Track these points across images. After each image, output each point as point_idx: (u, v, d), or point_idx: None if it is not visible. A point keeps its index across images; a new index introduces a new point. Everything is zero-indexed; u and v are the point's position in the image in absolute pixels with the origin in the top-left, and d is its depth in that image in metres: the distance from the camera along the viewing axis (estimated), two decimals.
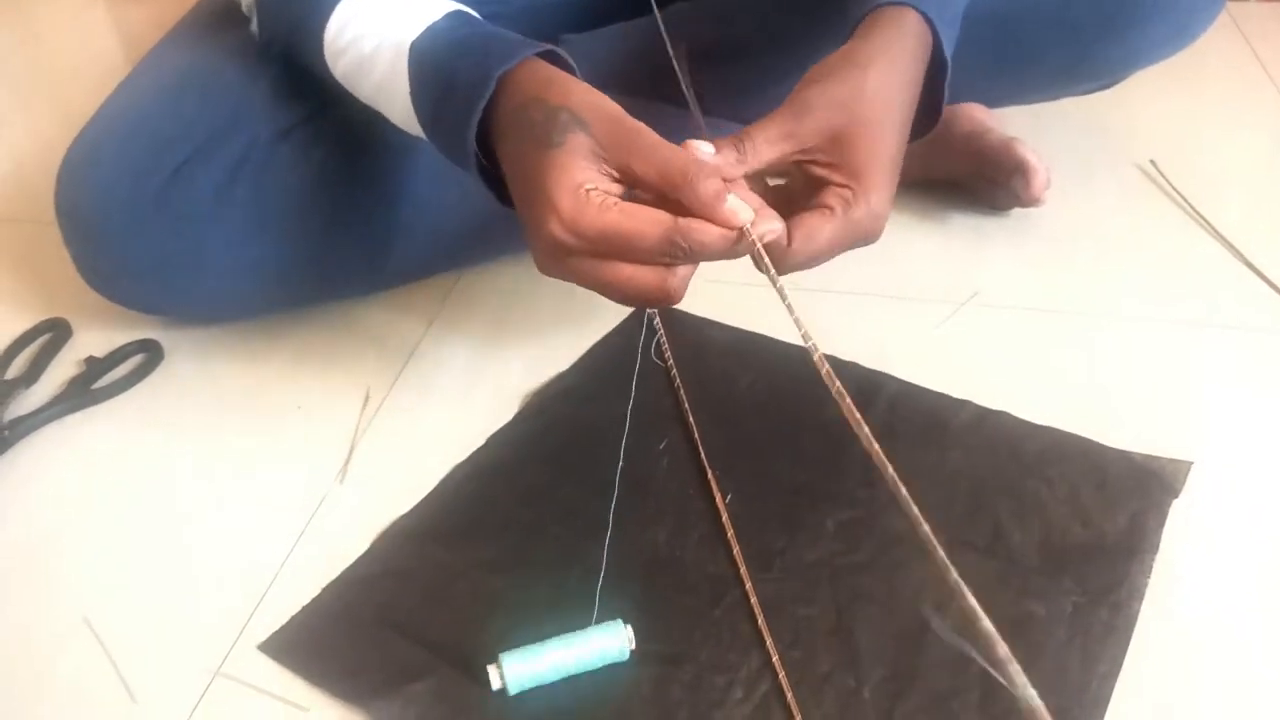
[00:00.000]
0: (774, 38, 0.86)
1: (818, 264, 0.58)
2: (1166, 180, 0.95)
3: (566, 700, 0.55)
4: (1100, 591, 0.59)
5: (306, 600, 0.61)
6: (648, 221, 0.52)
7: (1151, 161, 0.97)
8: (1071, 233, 0.89)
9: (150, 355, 0.79)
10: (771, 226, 0.54)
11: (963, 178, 0.91)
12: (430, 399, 0.76)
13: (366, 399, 0.75)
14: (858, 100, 0.57)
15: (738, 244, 0.53)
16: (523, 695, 0.55)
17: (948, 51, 0.62)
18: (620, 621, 0.56)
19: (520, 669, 0.55)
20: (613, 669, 0.56)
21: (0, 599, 0.63)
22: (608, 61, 0.91)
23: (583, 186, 0.53)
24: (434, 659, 0.57)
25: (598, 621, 0.57)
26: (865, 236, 0.58)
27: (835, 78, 0.58)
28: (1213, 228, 0.89)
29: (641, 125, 0.54)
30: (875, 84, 0.58)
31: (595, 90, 0.57)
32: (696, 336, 0.78)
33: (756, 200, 0.55)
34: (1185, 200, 0.92)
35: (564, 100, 0.55)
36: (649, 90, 0.90)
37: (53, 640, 0.60)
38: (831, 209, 0.57)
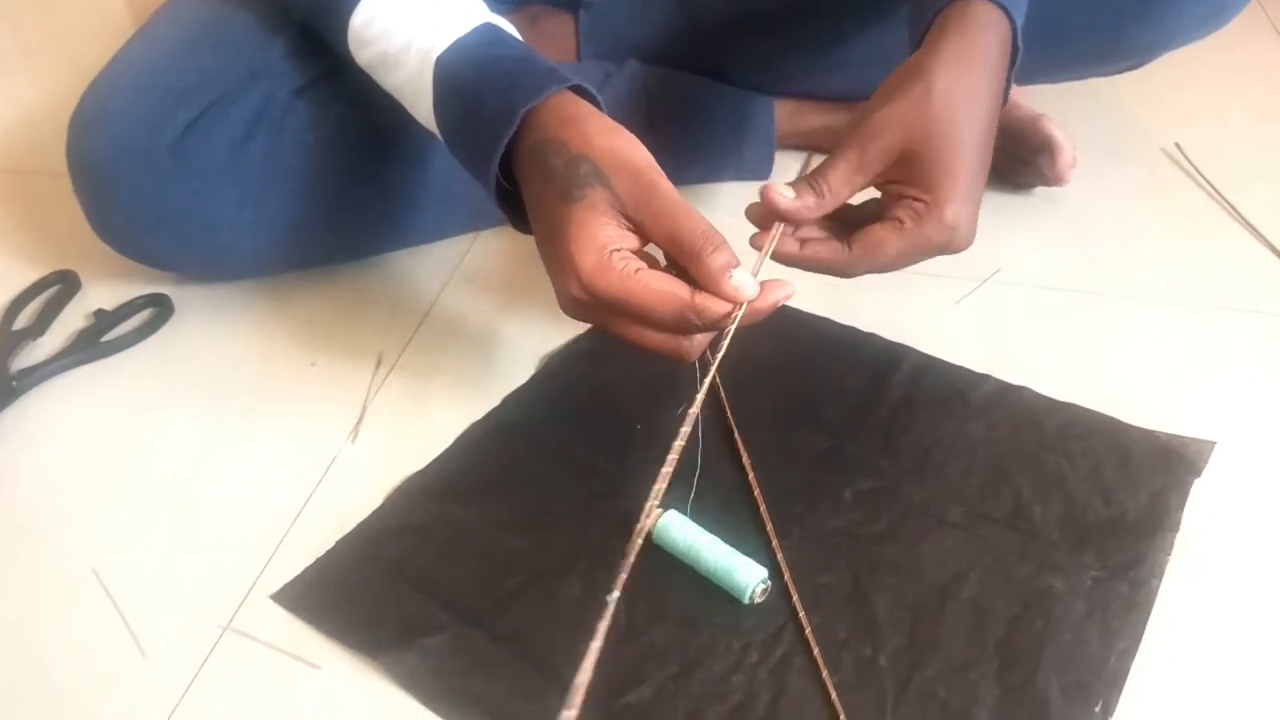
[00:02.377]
0: (801, 10, 0.85)
1: (889, 271, 0.59)
2: (1191, 164, 0.94)
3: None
4: (1121, 567, 0.58)
5: (316, 557, 0.60)
6: (664, 296, 0.53)
7: (1176, 145, 0.96)
8: (1095, 213, 0.88)
9: (160, 310, 0.78)
10: (784, 293, 0.55)
11: None
12: (443, 361, 0.75)
13: (379, 360, 0.75)
14: (923, 117, 0.57)
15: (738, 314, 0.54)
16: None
17: (1019, 35, 0.61)
18: (764, 570, 0.57)
19: (673, 529, 0.58)
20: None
21: (9, 551, 0.62)
22: (630, 28, 0.90)
23: (606, 248, 0.53)
24: (448, 614, 0.57)
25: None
26: (942, 247, 0.58)
27: (899, 96, 0.58)
28: (1237, 212, 0.88)
29: (661, 179, 0.55)
30: (942, 95, 0.57)
31: (618, 130, 0.57)
32: None
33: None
34: (1209, 184, 0.91)
35: (585, 148, 0.55)
36: (669, 58, 0.89)
37: (62, 593, 0.60)
38: (901, 222, 0.58)
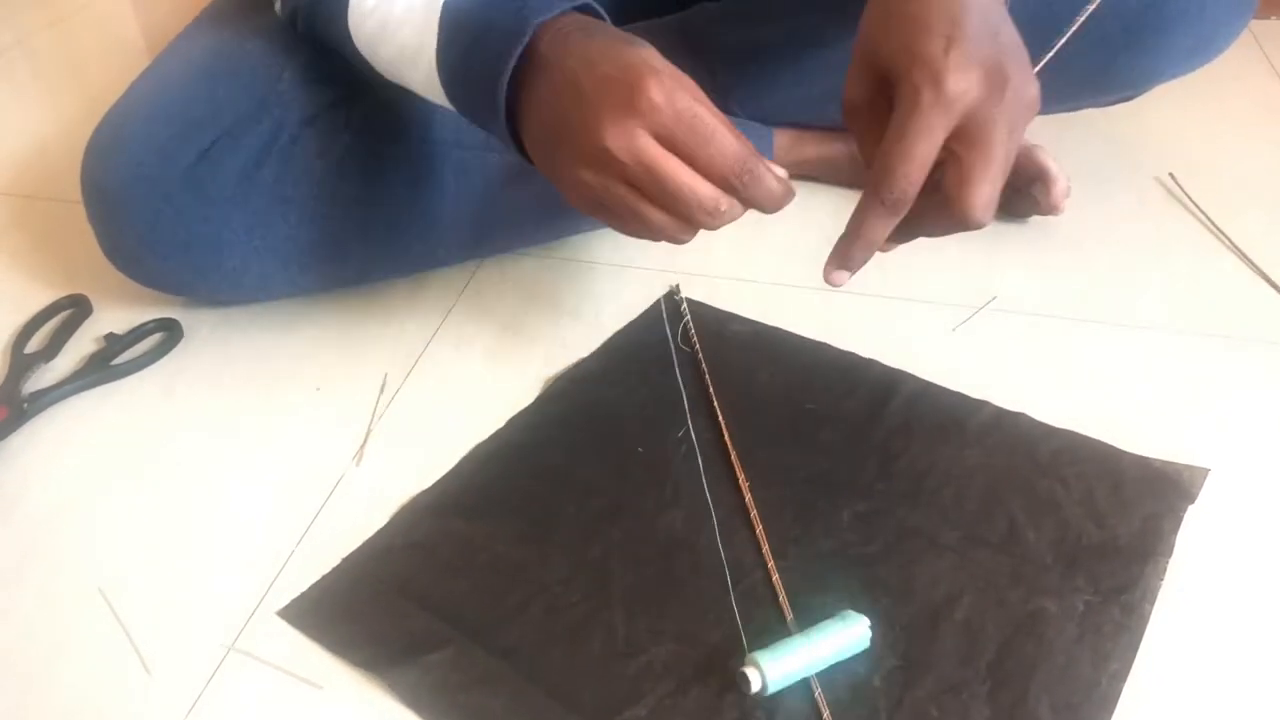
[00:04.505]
0: (800, 40, 0.87)
1: (918, 172, 0.54)
2: (1185, 193, 0.95)
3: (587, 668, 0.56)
4: (1113, 591, 0.59)
5: (320, 577, 0.61)
6: (732, 129, 0.53)
7: (1170, 174, 0.97)
8: (1089, 242, 0.89)
9: (170, 334, 0.80)
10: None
11: None
12: (447, 385, 0.76)
13: (384, 383, 0.76)
14: (877, 35, 0.55)
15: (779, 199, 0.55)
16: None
17: None
18: (856, 614, 0.56)
19: (777, 667, 0.54)
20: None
21: (17, 571, 0.63)
22: None
23: (687, 78, 0.54)
24: (452, 630, 0.57)
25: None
26: (965, 115, 0.52)
27: (860, 48, 0.57)
28: (1230, 241, 0.89)
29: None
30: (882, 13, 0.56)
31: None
32: (719, 329, 0.79)
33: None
34: (1203, 213, 0.92)
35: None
36: None
37: (69, 612, 0.61)
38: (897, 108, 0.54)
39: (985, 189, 0.54)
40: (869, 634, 0.56)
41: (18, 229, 0.95)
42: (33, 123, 1.14)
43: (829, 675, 0.55)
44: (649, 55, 0.54)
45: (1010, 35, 0.56)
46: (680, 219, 0.56)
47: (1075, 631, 0.57)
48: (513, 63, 0.56)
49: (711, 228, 0.56)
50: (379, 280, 0.84)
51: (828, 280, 0.60)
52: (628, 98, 0.53)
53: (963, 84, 0.52)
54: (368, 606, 0.59)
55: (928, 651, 0.56)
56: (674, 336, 0.78)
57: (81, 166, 0.75)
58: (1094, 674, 0.55)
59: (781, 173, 0.56)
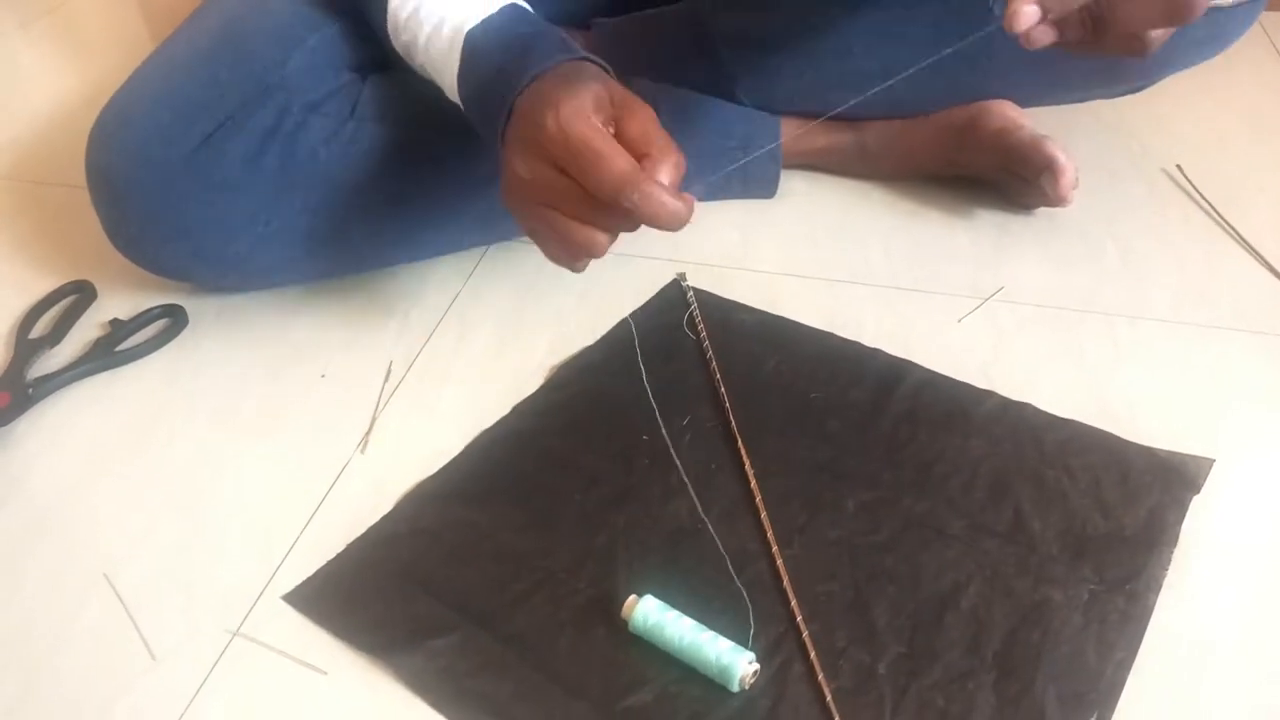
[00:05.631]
0: (811, 27, 0.86)
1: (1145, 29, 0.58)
2: (1192, 184, 0.95)
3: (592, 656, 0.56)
4: (1118, 581, 0.59)
5: (326, 563, 0.61)
6: (622, 154, 0.56)
7: (1178, 166, 0.97)
8: (1097, 233, 0.89)
9: (175, 320, 0.79)
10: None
11: (990, 174, 0.91)
12: (452, 373, 0.76)
13: (389, 371, 0.76)
14: None
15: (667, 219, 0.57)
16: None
17: None
18: (749, 654, 0.54)
19: (651, 616, 0.56)
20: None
21: (22, 556, 0.63)
22: (638, 46, 0.92)
23: (588, 104, 0.57)
24: (456, 616, 0.58)
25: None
26: None
27: None
28: (1237, 233, 0.89)
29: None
30: None
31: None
32: (724, 318, 0.78)
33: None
34: (1210, 205, 0.92)
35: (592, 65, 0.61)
36: (678, 75, 0.91)
37: (73, 597, 0.61)
38: None
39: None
40: (737, 684, 0.53)
41: (22, 214, 0.95)
42: (35, 108, 1.13)
43: (834, 664, 0.55)
44: (567, 93, 0.58)
45: None
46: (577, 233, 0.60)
47: (1081, 621, 0.57)
48: (506, 111, 0.61)
49: (591, 252, 0.61)
50: (384, 267, 0.84)
51: (1010, 26, 0.57)
52: (531, 132, 0.58)
53: None
54: (373, 592, 0.59)
55: (934, 640, 0.56)
56: (680, 324, 0.78)
57: (86, 151, 0.75)
58: (1099, 663, 0.55)
59: (687, 198, 0.58)
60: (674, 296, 0.81)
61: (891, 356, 0.75)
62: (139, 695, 0.56)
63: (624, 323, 0.79)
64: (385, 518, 0.64)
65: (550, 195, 0.59)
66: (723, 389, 0.71)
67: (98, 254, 0.81)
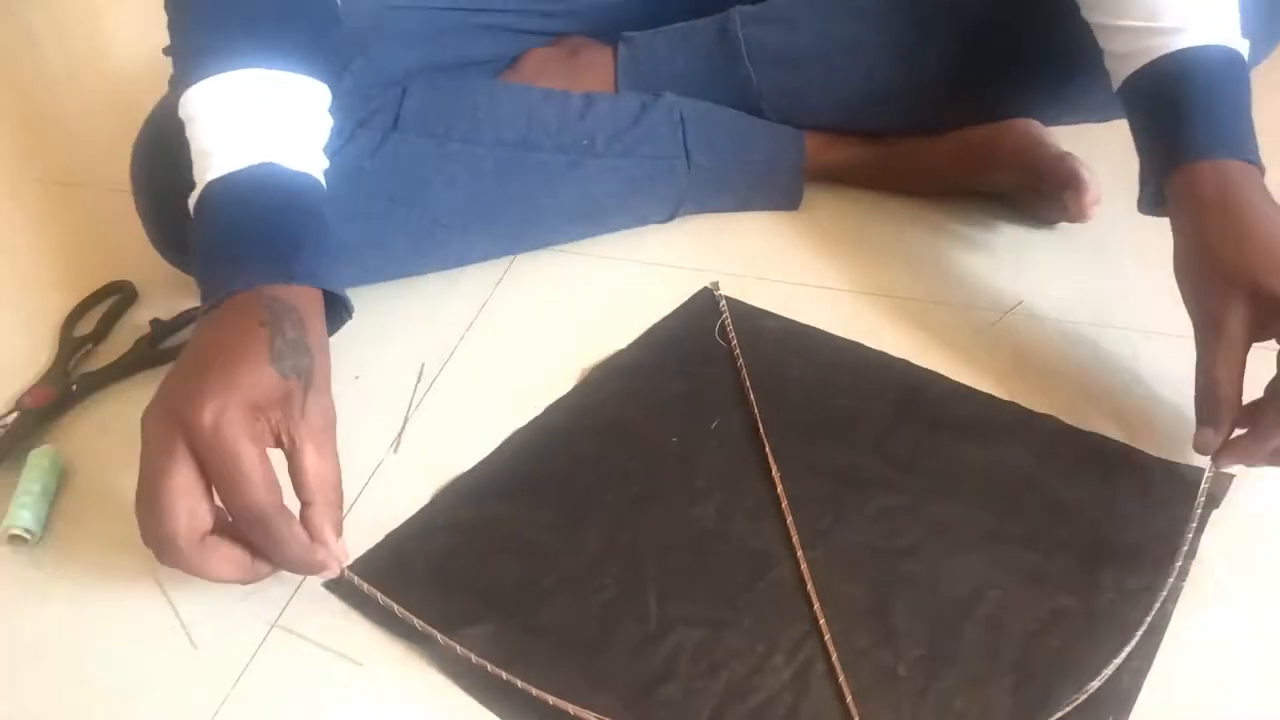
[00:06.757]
0: (833, 45, 0.88)
1: None
2: None
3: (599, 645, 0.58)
4: (1135, 591, 0.60)
5: (364, 552, 0.63)
6: (268, 486, 0.53)
7: None
8: (1115, 248, 0.90)
9: None
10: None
11: (1010, 190, 0.93)
12: (482, 375, 0.78)
13: (421, 373, 0.78)
14: (1238, 268, 0.63)
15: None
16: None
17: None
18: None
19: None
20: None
21: (67, 546, 0.65)
22: (667, 60, 0.94)
23: (265, 415, 0.55)
24: (488, 609, 0.60)
25: None
26: None
27: (1206, 278, 0.65)
28: None
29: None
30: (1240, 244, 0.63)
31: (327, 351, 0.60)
32: (753, 325, 0.80)
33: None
34: None
35: (314, 349, 0.58)
36: (705, 91, 0.92)
37: (118, 587, 0.63)
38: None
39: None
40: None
41: (57, 216, 0.97)
42: (67, 110, 1.16)
43: (855, 664, 0.56)
44: (254, 379, 0.54)
45: None
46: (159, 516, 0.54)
47: (1097, 629, 0.58)
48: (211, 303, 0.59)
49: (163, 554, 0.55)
50: (418, 274, 0.86)
51: (1218, 465, 0.64)
52: (179, 404, 0.54)
53: None
54: (407, 583, 0.61)
55: (953, 644, 0.58)
56: (710, 330, 0.80)
57: (132, 160, 0.77)
58: (1115, 671, 0.56)
59: (331, 554, 0.56)
60: (705, 304, 0.83)
61: (915, 366, 0.76)
62: (182, 682, 0.58)
63: (655, 328, 0.80)
64: (421, 511, 0.66)
65: (172, 461, 0.53)
66: (752, 395, 0.73)
67: (135, 256, 0.83)
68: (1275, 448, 0.61)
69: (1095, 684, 0.55)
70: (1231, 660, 0.58)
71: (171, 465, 0.53)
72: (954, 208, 0.95)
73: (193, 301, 0.82)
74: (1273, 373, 0.63)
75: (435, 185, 0.79)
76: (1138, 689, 0.56)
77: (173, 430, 0.53)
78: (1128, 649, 0.57)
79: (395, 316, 0.83)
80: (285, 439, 0.56)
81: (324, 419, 0.58)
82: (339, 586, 0.61)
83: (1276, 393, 0.61)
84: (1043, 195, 0.90)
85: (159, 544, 0.54)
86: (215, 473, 0.53)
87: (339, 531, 0.57)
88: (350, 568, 0.61)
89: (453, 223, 0.82)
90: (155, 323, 0.81)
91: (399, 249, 0.81)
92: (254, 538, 0.55)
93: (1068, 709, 0.54)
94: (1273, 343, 0.64)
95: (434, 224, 0.81)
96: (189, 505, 0.53)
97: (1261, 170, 0.67)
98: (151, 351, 0.79)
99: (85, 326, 0.82)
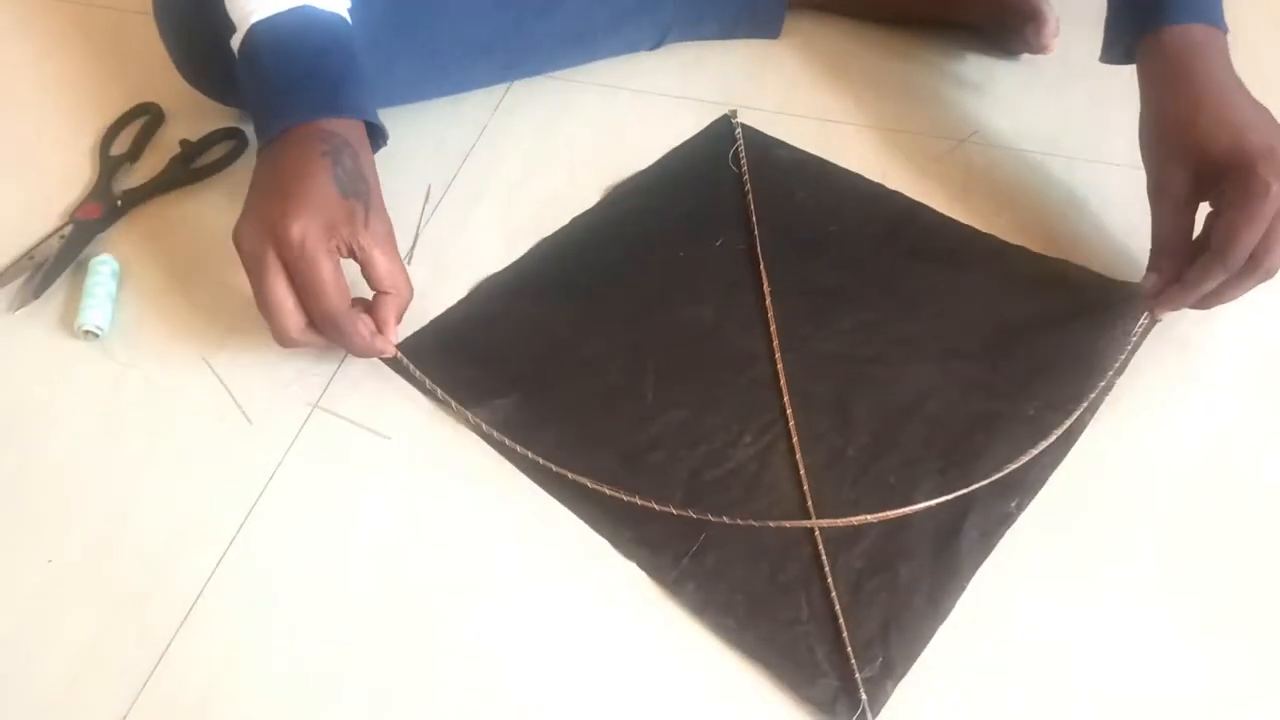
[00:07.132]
0: None
1: (1268, 262, 0.66)
2: None
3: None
4: (1061, 401, 0.67)
5: (410, 334, 0.72)
6: (342, 292, 0.63)
7: None
8: (1071, 81, 0.94)
9: (238, 142, 0.87)
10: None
11: (979, 22, 0.96)
12: (485, 197, 0.84)
13: (428, 193, 0.84)
14: (1193, 141, 0.67)
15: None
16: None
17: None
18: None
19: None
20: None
21: (133, 341, 0.73)
22: None
23: (337, 233, 0.63)
24: (513, 384, 0.69)
25: None
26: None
27: (1165, 144, 0.70)
28: None
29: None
30: (1191, 117, 0.68)
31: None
32: (764, 152, 0.86)
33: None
34: None
35: (369, 177, 0.66)
36: None
37: (180, 376, 0.71)
38: (1230, 205, 0.65)
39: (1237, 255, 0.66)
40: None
41: (78, 37, 0.99)
42: None
43: (813, 445, 0.66)
44: (332, 208, 0.63)
45: None
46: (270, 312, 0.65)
47: (1020, 431, 0.66)
48: (286, 128, 0.66)
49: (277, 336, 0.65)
50: (420, 100, 0.90)
51: (1153, 312, 0.71)
52: (270, 225, 0.62)
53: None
54: (445, 360, 0.70)
55: (896, 435, 0.67)
56: (724, 155, 0.86)
57: None
58: (1029, 464, 0.65)
59: (387, 341, 0.66)
60: (722, 131, 0.88)
61: (909, 199, 0.82)
62: (241, 452, 0.67)
63: (674, 151, 0.87)
64: (460, 302, 0.75)
65: (275, 273, 0.63)
66: (754, 217, 0.80)
67: (158, 77, 0.87)
68: (1200, 295, 0.69)
69: (1005, 470, 0.64)
70: (1142, 464, 0.66)
71: (279, 273, 0.63)
72: (927, 38, 0.99)
73: (216, 123, 0.87)
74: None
75: (432, 14, 0.83)
76: (1043, 482, 0.64)
77: (269, 245, 0.62)
78: (1040, 447, 0.65)
79: (399, 140, 0.85)
80: (357, 249, 0.64)
81: (385, 230, 0.66)
82: (392, 363, 0.70)
83: (1202, 251, 0.67)
84: (1006, 27, 0.94)
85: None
86: (301, 280, 0.62)
87: (401, 318, 0.67)
88: (403, 342, 0.71)
89: (452, 50, 0.86)
90: (184, 143, 0.86)
91: (404, 76, 0.86)
92: (327, 333, 0.65)
93: (977, 486, 0.63)
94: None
95: (434, 53, 0.85)
96: (295, 302, 0.64)
97: (1225, 31, 0.72)
98: (184, 170, 0.85)
99: (119, 147, 0.87)
